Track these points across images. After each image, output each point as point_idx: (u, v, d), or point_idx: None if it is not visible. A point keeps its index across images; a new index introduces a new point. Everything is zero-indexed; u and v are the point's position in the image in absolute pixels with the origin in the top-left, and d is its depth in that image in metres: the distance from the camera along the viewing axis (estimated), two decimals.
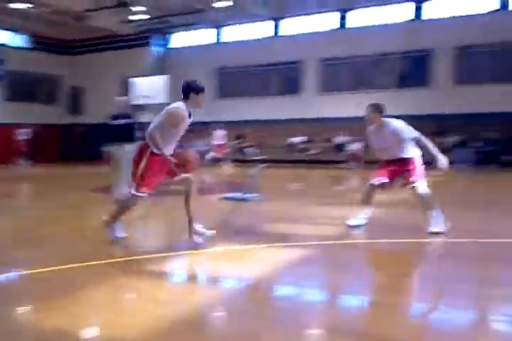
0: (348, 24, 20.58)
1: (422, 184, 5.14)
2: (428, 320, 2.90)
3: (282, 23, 22.04)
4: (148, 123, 4.46)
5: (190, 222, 4.48)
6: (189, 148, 5.46)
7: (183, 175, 4.38)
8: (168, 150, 4.37)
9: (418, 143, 5.29)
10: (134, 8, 20.12)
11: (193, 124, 4.64)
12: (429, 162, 5.28)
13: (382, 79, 19.96)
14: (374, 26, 19.70)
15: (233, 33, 23.23)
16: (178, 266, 4.09)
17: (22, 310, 2.97)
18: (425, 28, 18.44)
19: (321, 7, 20.42)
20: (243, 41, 22.61)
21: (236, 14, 20.93)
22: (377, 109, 5.44)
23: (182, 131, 4.48)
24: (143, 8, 20.14)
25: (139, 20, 21.56)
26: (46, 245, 4.69)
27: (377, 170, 5.42)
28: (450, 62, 18.39)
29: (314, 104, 20.41)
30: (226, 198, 5.26)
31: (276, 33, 22.20)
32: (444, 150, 18.76)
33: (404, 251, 4.57)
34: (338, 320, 2.81)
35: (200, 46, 23.65)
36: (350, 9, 20.41)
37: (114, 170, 7.25)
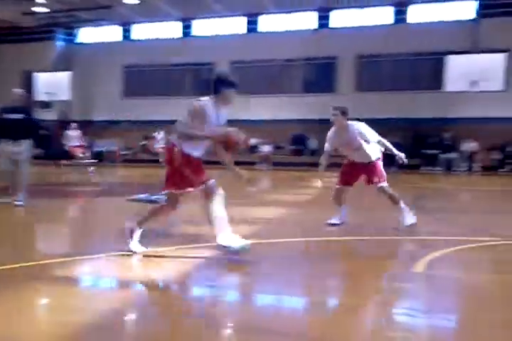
0: (260, 28, 21.02)
1: (384, 183, 5.58)
2: (334, 315, 3.05)
3: (194, 23, 21.98)
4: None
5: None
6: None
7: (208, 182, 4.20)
8: (199, 152, 4.11)
9: (379, 144, 5.70)
10: (37, 0, 19.04)
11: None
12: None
13: (290, 84, 20.65)
14: (283, 32, 20.30)
15: (143, 31, 22.77)
16: (86, 271, 3.94)
17: None
18: (331, 37, 19.34)
19: (231, 11, 20.65)
20: (153, 40, 22.25)
21: (145, 12, 20.55)
22: (343, 111, 5.67)
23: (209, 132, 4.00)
24: (44, 1, 19.11)
25: (43, 12, 20.43)
26: None
27: (342, 175, 5.84)
28: (353, 69, 19.43)
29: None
30: (134, 200, 5.14)
31: (188, 33, 22.10)
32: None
33: (311, 249, 4.76)
34: (250, 319, 2.87)
35: (107, 43, 22.92)
36: (261, 14, 20.86)
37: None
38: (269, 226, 5.89)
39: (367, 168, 5.66)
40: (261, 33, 20.87)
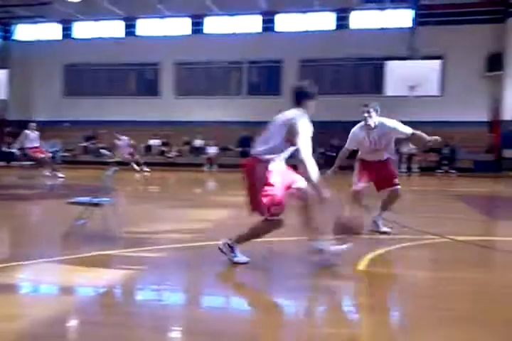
0: (205, 30, 20.97)
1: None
2: (277, 315, 3.09)
3: (138, 23, 21.63)
4: None
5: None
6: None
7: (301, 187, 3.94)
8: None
9: (413, 136, 5.39)
10: None
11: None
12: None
13: (236, 86, 20.76)
14: (228, 34, 20.36)
15: (84, 29, 22.15)
16: (24, 277, 3.78)
17: None
18: (275, 40, 19.58)
19: (175, 12, 20.49)
20: (95, 39, 21.68)
21: (87, 10, 19.99)
22: (376, 108, 5.36)
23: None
24: None
25: None
26: None
27: (357, 176, 5.57)
28: (296, 73, 19.77)
29: (173, 107, 20.38)
30: (74, 202, 4.98)
31: (131, 32, 21.70)
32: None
33: (257, 250, 4.79)
34: (197, 321, 2.85)
35: (47, 41, 22.11)
36: (206, 16, 20.84)
37: None
38: (214, 228, 5.88)
39: (383, 165, 5.47)
40: (206, 34, 20.83)
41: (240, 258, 3.96)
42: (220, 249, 4.00)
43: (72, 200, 5.04)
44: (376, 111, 5.34)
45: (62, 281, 3.66)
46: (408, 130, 5.38)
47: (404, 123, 18.88)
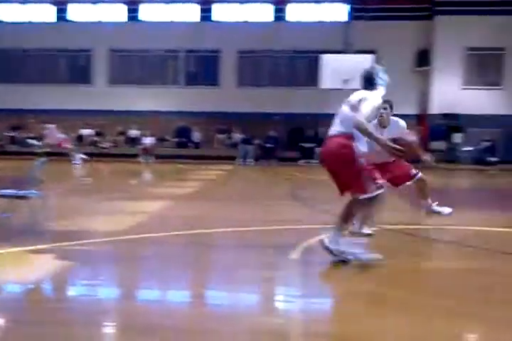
0: (141, 17, 20.41)
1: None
2: (215, 307, 3.10)
3: (70, 8, 20.68)
4: None
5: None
6: None
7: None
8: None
9: None
10: None
11: None
12: None
13: (173, 75, 20.42)
14: (165, 23, 19.92)
15: (14, 13, 20.90)
16: None
17: None
18: (213, 30, 19.40)
19: None
20: (24, 23, 20.52)
21: None
22: (391, 105, 4.97)
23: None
24: None
25: None
26: None
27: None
28: (235, 64, 19.74)
29: (106, 96, 19.73)
30: None
31: (63, 17, 20.73)
32: (230, 146, 19.80)
33: (193, 242, 4.77)
34: (130, 315, 2.81)
35: None
36: (142, 2, 20.28)
37: None
38: (149, 221, 5.79)
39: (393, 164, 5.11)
40: (142, 21, 20.28)
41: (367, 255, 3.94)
42: (327, 249, 3.85)
43: None
44: (392, 109, 5.05)
45: None
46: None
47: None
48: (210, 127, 18.35)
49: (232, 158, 17.08)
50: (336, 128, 3.93)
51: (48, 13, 20.67)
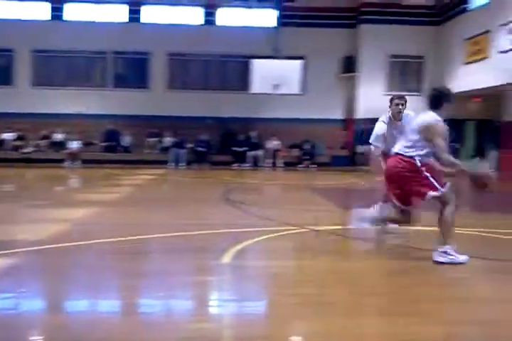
0: (65, 17, 19.65)
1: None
2: (145, 315, 3.04)
3: None
4: None
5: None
6: None
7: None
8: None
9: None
10: None
11: None
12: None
13: (100, 78, 19.83)
14: (91, 22, 19.30)
15: None
16: None
17: None
18: (142, 32, 19.02)
19: None
20: None
21: None
22: (406, 102, 5.23)
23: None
24: None
25: None
26: None
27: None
28: (165, 67, 19.50)
29: (29, 98, 18.74)
30: None
31: None
32: (161, 150, 19.40)
33: (122, 249, 4.66)
34: (56, 327, 2.70)
35: None
36: (66, 2, 19.56)
37: None
38: (77, 228, 5.60)
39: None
40: (67, 21, 19.51)
41: (461, 257, 4.09)
42: (438, 261, 4.07)
43: None
44: (406, 104, 5.33)
45: None
46: None
47: (270, 120, 19.56)
48: (140, 131, 17.96)
49: (164, 163, 16.84)
50: (404, 146, 4.26)
51: None
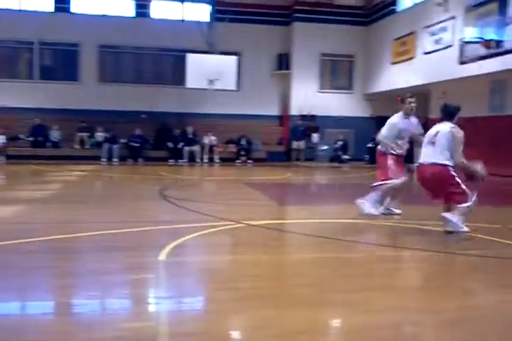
0: None
1: None
2: (76, 314, 2.96)
3: None
4: None
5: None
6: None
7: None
8: None
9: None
10: None
11: None
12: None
13: (25, 69, 18.86)
14: (14, 11, 18.24)
15: None
16: None
17: None
18: (71, 22, 18.25)
19: None
20: None
21: None
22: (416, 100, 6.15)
23: None
24: None
25: None
26: None
27: (396, 169, 6.13)
28: (95, 59, 18.86)
29: None
30: None
31: None
32: (93, 145, 18.76)
33: (52, 248, 4.49)
34: None
35: None
36: None
37: None
38: (2, 227, 5.32)
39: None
40: None
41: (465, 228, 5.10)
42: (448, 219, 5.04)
43: None
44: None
45: None
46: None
47: (205, 115, 19.59)
48: (70, 125, 17.28)
49: (96, 158, 16.32)
50: (438, 156, 5.11)
51: None
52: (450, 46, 14.42)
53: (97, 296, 3.19)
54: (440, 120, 5.28)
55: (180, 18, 19.33)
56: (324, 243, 4.88)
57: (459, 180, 5.06)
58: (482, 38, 12.71)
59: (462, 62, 13.64)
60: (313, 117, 19.33)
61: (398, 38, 17.47)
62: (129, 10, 19.16)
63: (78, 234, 4.97)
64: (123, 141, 17.13)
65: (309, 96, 19.35)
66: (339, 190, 10.95)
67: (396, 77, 17.44)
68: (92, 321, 2.76)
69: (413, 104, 6.19)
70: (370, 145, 18.72)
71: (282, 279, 3.73)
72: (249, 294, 3.22)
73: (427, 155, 5.21)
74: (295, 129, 18.96)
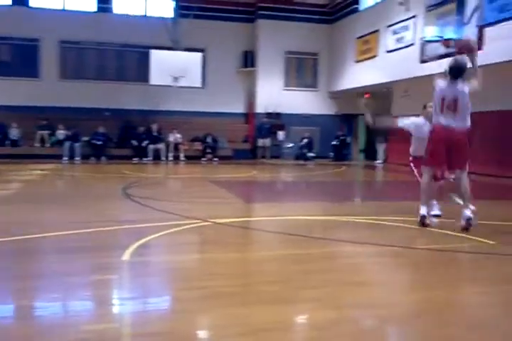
0: None
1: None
2: (38, 317, 2.88)
3: None
4: None
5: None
6: None
7: None
8: None
9: None
10: None
11: None
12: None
13: None
14: None
15: None
16: None
17: None
18: (30, 17, 17.73)
19: None
20: None
21: None
22: None
23: None
24: None
25: None
26: None
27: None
28: (56, 55, 18.37)
29: None
30: None
31: None
32: (55, 143, 18.26)
33: (13, 249, 4.35)
34: None
35: None
36: None
37: None
38: None
39: None
40: None
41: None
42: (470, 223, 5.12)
43: None
44: None
45: None
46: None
47: (170, 113, 19.45)
48: (30, 123, 16.79)
49: (58, 157, 15.92)
50: (464, 121, 5.22)
51: None
52: (411, 45, 14.73)
53: (59, 298, 3.11)
54: (454, 77, 5.24)
55: (144, 14, 19.04)
56: (290, 240, 4.91)
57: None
58: (442, 37, 13.03)
59: (423, 61, 13.96)
60: (278, 115, 19.41)
61: (361, 37, 17.72)
62: (91, 5, 18.73)
63: (40, 235, 4.83)
64: (85, 138, 16.77)
65: (275, 93, 19.41)
66: (305, 188, 11.04)
67: (359, 75, 17.69)
68: (53, 324, 2.69)
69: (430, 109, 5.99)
70: (334, 142, 19.02)
71: (249, 277, 3.72)
72: (216, 292, 3.20)
73: (449, 119, 5.23)
74: (261, 127, 19.00)
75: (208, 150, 17.87)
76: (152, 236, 4.78)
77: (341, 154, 18.95)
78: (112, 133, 17.37)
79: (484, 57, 7.65)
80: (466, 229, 5.11)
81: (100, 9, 18.71)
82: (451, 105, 5.16)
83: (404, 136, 6.63)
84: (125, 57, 19.13)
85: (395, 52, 15.72)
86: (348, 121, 19.97)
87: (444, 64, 5.73)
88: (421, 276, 3.80)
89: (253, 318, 2.76)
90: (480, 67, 5.33)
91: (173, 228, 5.18)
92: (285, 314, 2.87)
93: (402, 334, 2.72)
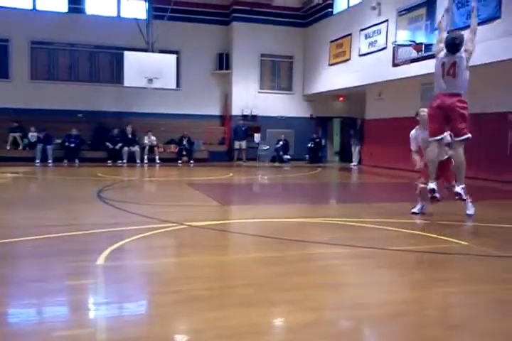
0: None
1: None
2: (11, 324, 2.81)
3: None
4: None
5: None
6: None
7: None
8: None
9: None
10: None
11: None
12: None
13: None
14: None
15: None
16: None
17: None
18: (1, 16, 17.33)
19: None
20: None
21: None
22: None
23: None
24: None
25: None
26: None
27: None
28: (27, 56, 18.00)
29: None
30: None
31: None
32: (26, 146, 17.88)
33: None
34: None
35: None
36: None
37: None
38: None
39: None
40: None
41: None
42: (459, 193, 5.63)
43: None
44: None
45: None
46: None
47: (145, 115, 19.30)
48: (2, 125, 16.42)
49: (30, 160, 15.59)
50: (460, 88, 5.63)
51: None
52: (384, 49, 14.96)
53: (32, 304, 3.05)
54: (452, 53, 5.61)
55: (117, 15, 18.83)
56: (267, 242, 4.92)
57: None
58: (414, 41, 13.26)
59: (395, 65, 14.18)
60: (254, 117, 19.44)
61: (335, 40, 17.90)
62: (62, 5, 18.41)
63: (13, 239, 4.72)
64: (58, 141, 16.48)
65: (250, 96, 19.44)
66: (281, 190, 11.08)
67: (333, 78, 17.86)
68: (26, 331, 2.63)
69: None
70: (309, 145, 19.15)
71: (225, 280, 3.71)
72: (193, 296, 3.18)
73: (450, 84, 5.60)
74: (237, 129, 18.99)
75: (184, 153, 17.77)
76: (127, 240, 4.72)
77: (317, 156, 19.08)
78: (85, 135, 17.11)
79: None
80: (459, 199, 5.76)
81: (72, 10, 18.37)
82: (451, 69, 5.59)
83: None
84: (98, 58, 18.87)
85: (367, 56, 15.93)
86: (322, 123, 20.14)
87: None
88: (398, 277, 3.85)
89: (230, 321, 2.75)
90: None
91: (149, 231, 5.13)
92: (262, 316, 2.87)
93: (379, 335, 2.74)
